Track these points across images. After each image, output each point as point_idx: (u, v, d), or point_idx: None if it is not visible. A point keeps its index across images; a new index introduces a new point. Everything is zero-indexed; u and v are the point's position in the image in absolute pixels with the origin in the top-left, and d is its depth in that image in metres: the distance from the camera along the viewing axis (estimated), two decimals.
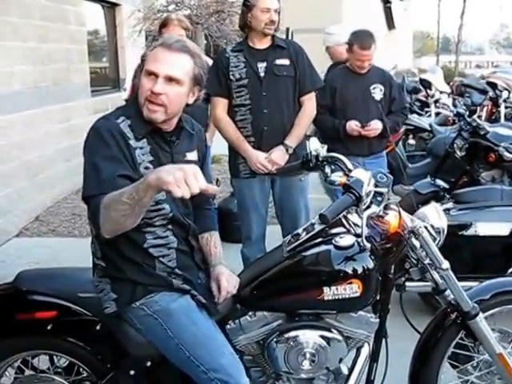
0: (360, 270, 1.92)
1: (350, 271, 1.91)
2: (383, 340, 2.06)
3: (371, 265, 1.93)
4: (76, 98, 6.83)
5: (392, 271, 2.03)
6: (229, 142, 3.41)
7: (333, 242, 1.94)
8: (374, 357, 2.07)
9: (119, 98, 6.21)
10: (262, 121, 3.27)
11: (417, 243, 1.98)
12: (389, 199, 1.98)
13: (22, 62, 5.61)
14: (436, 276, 2.04)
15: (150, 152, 1.89)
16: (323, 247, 1.97)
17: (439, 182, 4.62)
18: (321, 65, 4.12)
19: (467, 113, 5.13)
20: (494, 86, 7.99)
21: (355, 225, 1.95)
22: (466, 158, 4.66)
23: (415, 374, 2.21)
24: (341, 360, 2.01)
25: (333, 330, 1.98)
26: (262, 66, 3.27)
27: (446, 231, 2.05)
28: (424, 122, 6.65)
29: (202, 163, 2.12)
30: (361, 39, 3.82)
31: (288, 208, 3.44)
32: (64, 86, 6.49)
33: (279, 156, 3.27)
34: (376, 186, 1.90)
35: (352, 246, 1.93)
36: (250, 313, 2.00)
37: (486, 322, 2.10)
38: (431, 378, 2.18)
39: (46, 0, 6.12)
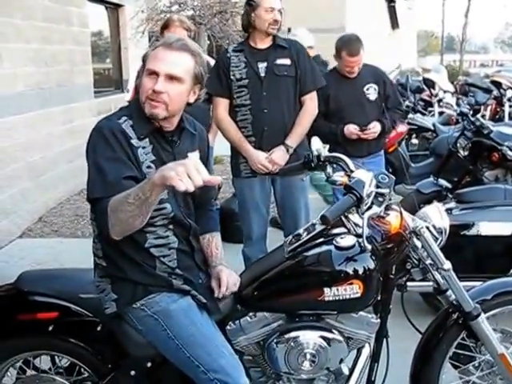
0: (361, 271, 1.91)
1: (350, 272, 1.91)
2: (384, 340, 2.06)
3: (372, 265, 1.92)
4: (79, 99, 6.84)
5: (393, 272, 2.03)
6: (230, 142, 3.41)
7: (334, 242, 1.94)
8: (374, 357, 2.07)
9: (122, 99, 6.21)
10: (262, 121, 3.28)
11: (418, 243, 1.98)
12: (390, 199, 1.97)
13: (25, 64, 5.62)
14: (437, 276, 2.03)
15: (152, 152, 1.90)
16: (324, 248, 1.97)
17: (442, 181, 4.61)
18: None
19: (471, 112, 5.13)
20: (498, 84, 7.98)
21: (356, 225, 1.95)
22: (470, 157, 4.66)
23: (416, 375, 2.20)
24: (341, 360, 2.01)
25: (333, 330, 1.98)
26: (262, 65, 3.27)
27: (447, 231, 2.04)
28: (427, 121, 6.63)
29: (205, 163, 2.12)
30: (348, 45, 3.76)
31: (289, 207, 3.45)
32: (67, 88, 6.51)
33: (280, 156, 3.28)
34: (377, 186, 1.90)
35: (353, 246, 1.93)
36: (251, 313, 2.00)
37: (488, 322, 2.09)
38: (432, 379, 2.17)
39: (49, 1, 6.13)
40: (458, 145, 4.70)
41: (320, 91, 3.50)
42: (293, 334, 1.96)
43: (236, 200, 3.74)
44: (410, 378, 2.22)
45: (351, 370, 2.05)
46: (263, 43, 3.33)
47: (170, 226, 1.95)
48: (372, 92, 3.88)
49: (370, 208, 1.88)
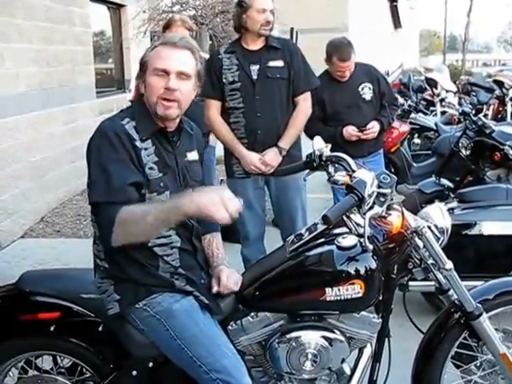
0: (362, 271, 1.91)
1: (352, 271, 1.91)
2: (386, 340, 2.05)
3: (374, 265, 1.92)
4: (81, 99, 6.84)
5: (395, 271, 2.02)
6: (223, 143, 3.40)
7: (335, 242, 1.95)
8: (376, 357, 2.06)
9: (124, 99, 6.24)
10: (255, 124, 3.25)
11: (420, 243, 1.97)
12: (392, 199, 1.97)
13: (27, 64, 5.63)
14: (439, 276, 2.03)
15: (154, 152, 1.91)
16: (326, 247, 1.97)
17: (444, 181, 4.60)
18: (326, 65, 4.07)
19: (473, 111, 5.12)
20: (500, 84, 7.96)
21: (358, 225, 1.95)
22: (472, 156, 4.65)
23: (418, 374, 2.20)
24: (343, 360, 2.01)
25: (335, 330, 1.97)
26: (254, 68, 3.23)
27: (449, 231, 2.04)
28: (429, 121, 6.63)
29: (201, 163, 2.14)
30: (339, 50, 3.73)
31: (285, 207, 3.43)
32: (69, 88, 6.51)
33: (272, 158, 3.26)
34: (379, 186, 1.90)
35: (354, 246, 1.93)
36: (252, 313, 2.00)
37: (490, 321, 2.09)
38: (434, 378, 2.17)
39: (51, 1, 6.13)
40: (460, 144, 4.70)
41: (314, 96, 3.47)
42: (294, 334, 1.96)
43: None
44: (412, 377, 2.21)
45: (353, 370, 2.04)
46: (255, 44, 3.28)
47: (173, 226, 1.95)
48: (367, 91, 3.86)
49: (371, 208, 1.88)
